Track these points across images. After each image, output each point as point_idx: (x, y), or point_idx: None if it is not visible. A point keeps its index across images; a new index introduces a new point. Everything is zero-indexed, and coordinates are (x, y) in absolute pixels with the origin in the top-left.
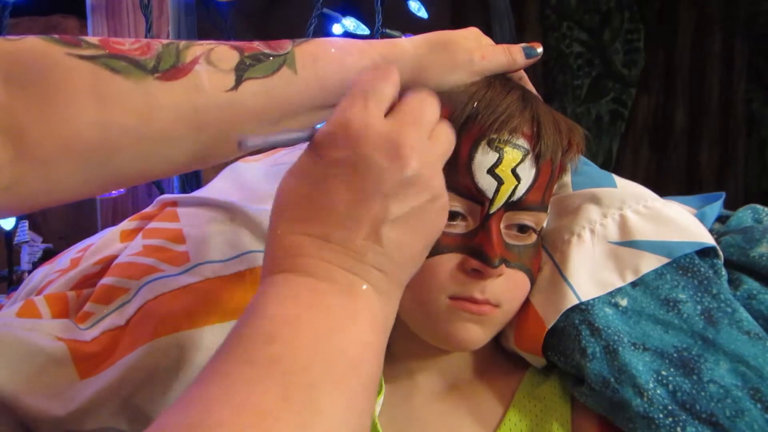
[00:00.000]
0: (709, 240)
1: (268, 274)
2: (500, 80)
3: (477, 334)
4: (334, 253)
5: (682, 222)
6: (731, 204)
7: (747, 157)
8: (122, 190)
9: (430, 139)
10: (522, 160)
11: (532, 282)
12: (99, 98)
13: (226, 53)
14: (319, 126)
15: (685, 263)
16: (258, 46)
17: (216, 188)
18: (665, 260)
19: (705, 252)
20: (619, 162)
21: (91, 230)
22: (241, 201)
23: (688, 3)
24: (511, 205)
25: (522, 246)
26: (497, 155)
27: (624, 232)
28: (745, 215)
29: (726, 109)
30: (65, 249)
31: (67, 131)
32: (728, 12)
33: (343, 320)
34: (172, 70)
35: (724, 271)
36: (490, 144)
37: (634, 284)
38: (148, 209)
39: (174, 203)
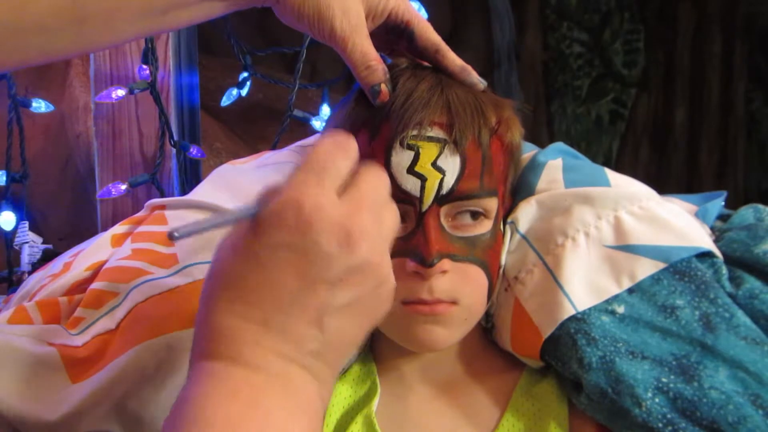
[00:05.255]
0: (706, 244)
1: (203, 359)
2: (410, 72)
3: (440, 333)
4: (272, 341)
5: (679, 225)
6: (731, 204)
7: (747, 157)
8: (122, 191)
9: (379, 221)
10: (441, 152)
11: (490, 274)
12: None
13: None
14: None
15: (682, 268)
16: None
17: (203, 190)
18: (662, 265)
19: (704, 252)
20: (619, 162)
21: (91, 231)
22: (228, 202)
23: (688, 3)
24: (444, 199)
25: (473, 237)
26: (413, 153)
27: (619, 236)
28: (747, 213)
29: (726, 109)
30: (65, 250)
31: None
32: (728, 12)
33: (285, 422)
34: None
35: (724, 270)
36: (402, 143)
37: (630, 290)
38: (138, 214)
39: (162, 206)
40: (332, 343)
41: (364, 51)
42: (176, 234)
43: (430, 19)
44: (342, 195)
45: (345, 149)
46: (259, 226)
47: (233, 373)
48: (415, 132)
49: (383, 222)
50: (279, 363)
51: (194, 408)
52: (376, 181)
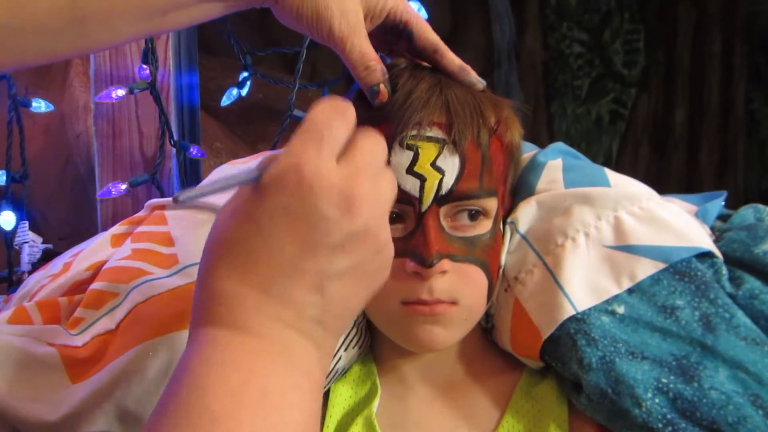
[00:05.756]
0: (706, 244)
1: (203, 325)
2: (409, 72)
3: (439, 334)
4: (272, 306)
5: (679, 225)
6: (731, 204)
7: (747, 157)
8: (122, 190)
9: (377, 187)
10: (440, 152)
11: (490, 275)
12: None
13: None
14: (261, 160)
15: (682, 268)
16: None
17: None
18: (662, 265)
19: (704, 253)
20: (619, 162)
21: (91, 231)
22: None
23: (688, 3)
24: (443, 199)
25: (472, 237)
26: (412, 153)
27: (619, 236)
28: (747, 213)
29: (726, 109)
30: (65, 250)
31: None
32: (728, 12)
33: (285, 390)
34: None
35: (724, 270)
36: (401, 143)
37: (630, 291)
38: (138, 214)
39: (162, 206)
40: (332, 309)
41: (363, 51)
42: (180, 197)
43: (429, 19)
44: (340, 161)
45: (342, 114)
46: (260, 191)
47: (233, 341)
48: (414, 132)
49: (381, 188)
50: (278, 329)
51: (194, 376)
52: (373, 147)
